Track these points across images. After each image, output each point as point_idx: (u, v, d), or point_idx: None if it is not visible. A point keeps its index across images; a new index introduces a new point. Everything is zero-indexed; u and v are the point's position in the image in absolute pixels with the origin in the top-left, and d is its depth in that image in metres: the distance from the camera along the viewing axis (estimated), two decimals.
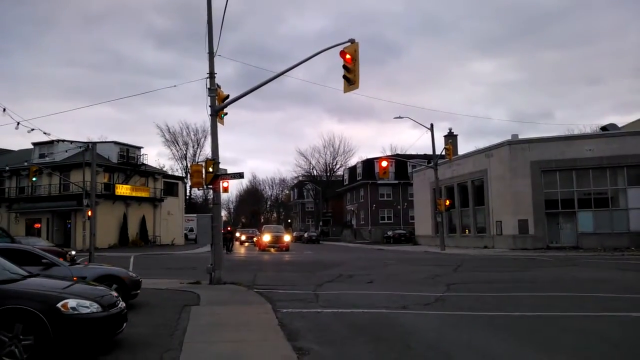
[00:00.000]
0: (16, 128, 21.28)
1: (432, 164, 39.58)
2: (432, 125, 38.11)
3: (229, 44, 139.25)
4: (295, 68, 15.56)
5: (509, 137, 37.07)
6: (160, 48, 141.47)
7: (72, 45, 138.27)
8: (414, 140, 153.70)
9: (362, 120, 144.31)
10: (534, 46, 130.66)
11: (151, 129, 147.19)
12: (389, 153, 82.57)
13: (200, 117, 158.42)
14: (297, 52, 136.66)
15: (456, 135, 50.40)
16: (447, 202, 38.81)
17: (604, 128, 40.36)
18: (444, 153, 38.28)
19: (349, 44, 14.15)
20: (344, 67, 13.85)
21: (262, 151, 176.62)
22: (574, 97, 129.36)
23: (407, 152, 70.56)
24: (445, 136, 49.72)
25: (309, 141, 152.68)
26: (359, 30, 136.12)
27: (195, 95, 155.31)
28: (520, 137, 37.32)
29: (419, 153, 67.70)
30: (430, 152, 40.60)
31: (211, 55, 15.93)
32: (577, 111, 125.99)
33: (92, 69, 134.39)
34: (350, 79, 13.81)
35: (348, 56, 13.80)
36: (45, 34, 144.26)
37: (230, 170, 16.73)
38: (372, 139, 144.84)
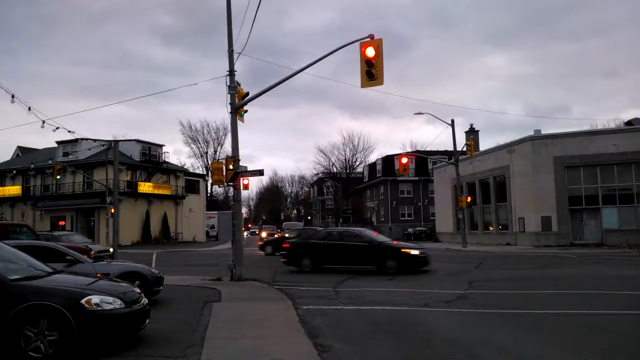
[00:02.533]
0: (42, 126, 21.68)
1: (452, 160, 39.24)
2: (452, 121, 37.73)
3: (236, 40, 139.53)
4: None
5: (526, 132, 36.85)
6: (167, 45, 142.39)
7: (80, 43, 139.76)
8: (434, 137, 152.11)
9: (374, 116, 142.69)
10: (545, 38, 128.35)
11: (165, 126, 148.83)
12: (408, 149, 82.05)
13: (213, 114, 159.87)
14: (304, 47, 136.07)
15: (477, 131, 49.94)
16: (469, 199, 38.42)
17: (628, 123, 39.61)
18: (464, 149, 37.89)
19: (368, 39, 14.05)
20: (367, 62, 13.74)
21: (276, 148, 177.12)
22: (590, 91, 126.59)
23: (427, 149, 70.06)
24: (466, 132, 49.29)
25: (324, 138, 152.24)
26: (366, 25, 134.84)
27: (208, 93, 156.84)
28: (538, 131, 36.80)
29: (439, 149, 67.20)
30: (451, 148, 40.26)
31: (231, 53, 15.99)
32: (595, 105, 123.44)
33: (100, 66, 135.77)
34: (374, 74, 13.69)
35: (372, 51, 13.68)
36: (51, 33, 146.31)
37: (248, 167, 16.79)
38: (385, 134, 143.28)
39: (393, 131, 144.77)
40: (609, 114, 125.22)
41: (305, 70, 15.47)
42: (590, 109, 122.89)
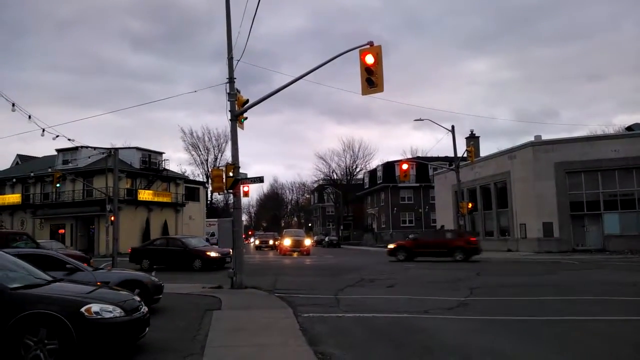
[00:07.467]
0: (42, 135, 21.67)
1: (453, 166, 39.20)
2: (453, 127, 37.58)
3: (209, 45, 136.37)
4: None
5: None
6: (142, 51, 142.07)
7: (51, 50, 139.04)
8: (434, 143, 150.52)
9: (360, 122, 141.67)
10: (526, 42, 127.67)
11: (153, 132, 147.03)
12: (408, 155, 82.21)
13: (198, 120, 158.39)
14: (279, 52, 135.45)
15: (478, 137, 49.84)
16: (470, 205, 38.32)
17: (629, 128, 39.65)
18: (465, 155, 37.85)
19: (367, 46, 14.07)
20: (367, 69, 13.74)
21: (266, 155, 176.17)
22: (576, 95, 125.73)
23: (428, 154, 70.07)
24: (467, 138, 49.19)
25: (313, 144, 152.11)
26: (340, 29, 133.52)
27: (191, 99, 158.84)
28: (531, 137, 36.94)
29: (439, 155, 67.20)
30: (450, 154, 40.20)
31: (230, 60, 16.01)
32: (583, 109, 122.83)
33: (76, 73, 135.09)
34: (374, 82, 13.68)
35: (372, 58, 13.68)
36: (20, 39, 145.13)
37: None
38: (374, 140, 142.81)
39: (382, 137, 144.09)
40: (599, 118, 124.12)
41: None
42: (578, 113, 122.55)
